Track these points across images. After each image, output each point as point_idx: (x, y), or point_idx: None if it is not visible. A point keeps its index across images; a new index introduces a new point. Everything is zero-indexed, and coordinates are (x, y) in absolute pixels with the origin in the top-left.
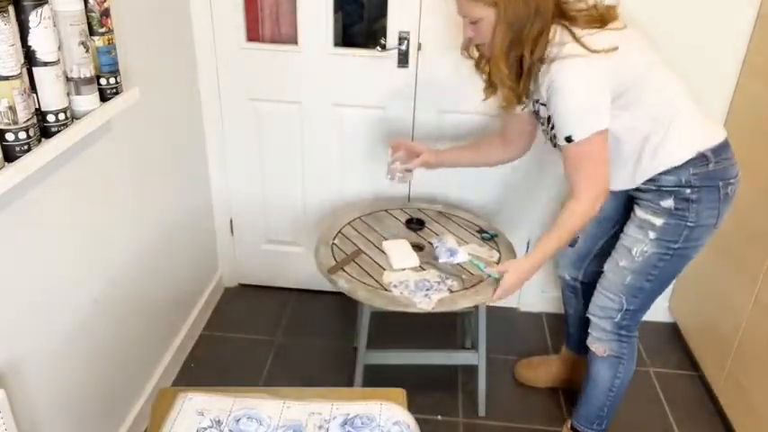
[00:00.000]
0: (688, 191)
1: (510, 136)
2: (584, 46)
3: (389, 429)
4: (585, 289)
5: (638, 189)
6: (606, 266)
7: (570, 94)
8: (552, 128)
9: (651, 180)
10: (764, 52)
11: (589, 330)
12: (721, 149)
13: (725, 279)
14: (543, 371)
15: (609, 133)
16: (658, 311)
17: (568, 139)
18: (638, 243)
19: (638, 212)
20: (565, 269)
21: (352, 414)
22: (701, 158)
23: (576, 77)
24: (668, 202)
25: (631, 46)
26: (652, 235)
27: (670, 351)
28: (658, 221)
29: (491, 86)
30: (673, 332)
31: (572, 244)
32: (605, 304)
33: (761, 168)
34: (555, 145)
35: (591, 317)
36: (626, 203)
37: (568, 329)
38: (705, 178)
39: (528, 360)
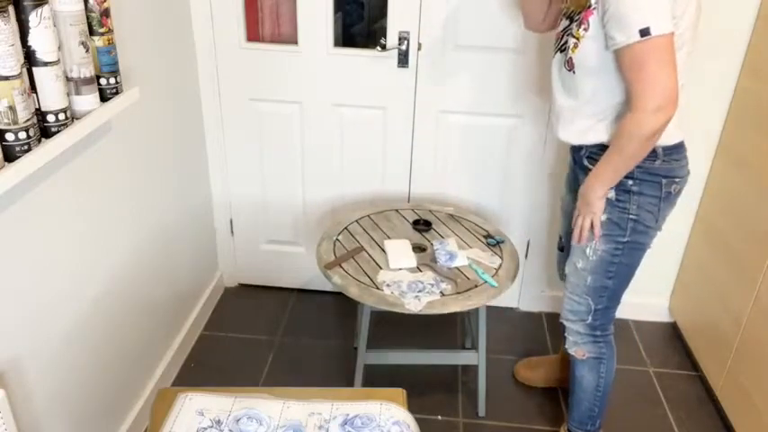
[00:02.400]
0: (630, 182)
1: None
2: None
3: (389, 429)
4: None
5: (583, 169)
6: (567, 269)
7: None
8: (579, 33)
9: (598, 157)
10: (764, 52)
11: (566, 335)
12: (674, 150)
13: (725, 279)
14: (543, 371)
15: (587, 82)
16: (658, 311)
17: (644, 32)
18: (588, 241)
19: None
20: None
21: (352, 414)
22: (651, 152)
23: None
24: (610, 193)
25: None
26: (599, 232)
27: (670, 351)
28: (602, 217)
29: None
30: (673, 332)
31: (561, 248)
32: (574, 308)
33: (760, 168)
34: (572, 69)
35: (564, 322)
36: None
37: None
38: (648, 173)
39: (527, 360)
